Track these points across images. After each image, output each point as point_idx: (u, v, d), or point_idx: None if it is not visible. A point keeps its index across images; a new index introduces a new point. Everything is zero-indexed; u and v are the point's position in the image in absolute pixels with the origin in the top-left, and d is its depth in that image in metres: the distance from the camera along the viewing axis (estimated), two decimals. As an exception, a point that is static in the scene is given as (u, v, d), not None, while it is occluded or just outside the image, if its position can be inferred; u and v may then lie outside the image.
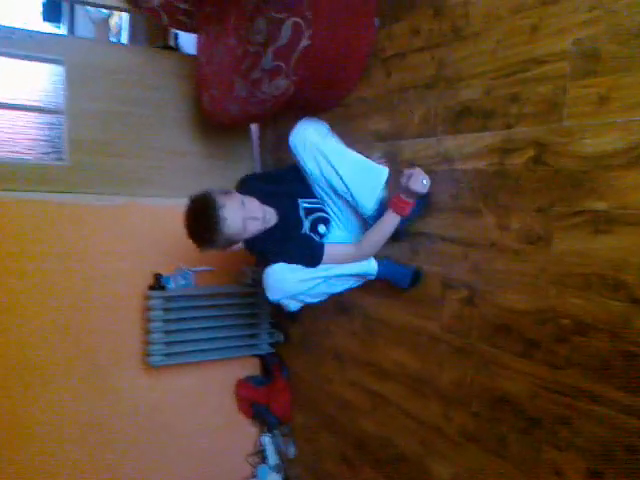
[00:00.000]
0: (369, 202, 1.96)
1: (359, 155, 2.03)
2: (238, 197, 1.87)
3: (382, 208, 1.98)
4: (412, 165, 1.99)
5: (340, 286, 2.17)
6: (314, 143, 2.00)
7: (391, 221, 1.93)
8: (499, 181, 1.70)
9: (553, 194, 1.54)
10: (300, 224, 2.11)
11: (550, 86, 1.54)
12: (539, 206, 1.58)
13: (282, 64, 2.15)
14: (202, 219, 1.81)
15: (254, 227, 1.91)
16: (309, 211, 2.14)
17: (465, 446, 1.87)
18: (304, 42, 2.09)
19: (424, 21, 2.01)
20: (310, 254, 2.00)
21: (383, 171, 1.96)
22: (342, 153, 2.02)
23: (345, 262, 2.06)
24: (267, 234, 2.00)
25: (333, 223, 2.19)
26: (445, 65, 1.90)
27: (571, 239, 1.50)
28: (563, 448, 1.52)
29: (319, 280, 2.03)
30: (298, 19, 2.06)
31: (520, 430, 1.66)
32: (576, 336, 1.48)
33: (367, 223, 2.11)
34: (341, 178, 1.96)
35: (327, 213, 2.18)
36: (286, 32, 2.09)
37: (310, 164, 2.01)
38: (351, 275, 2.15)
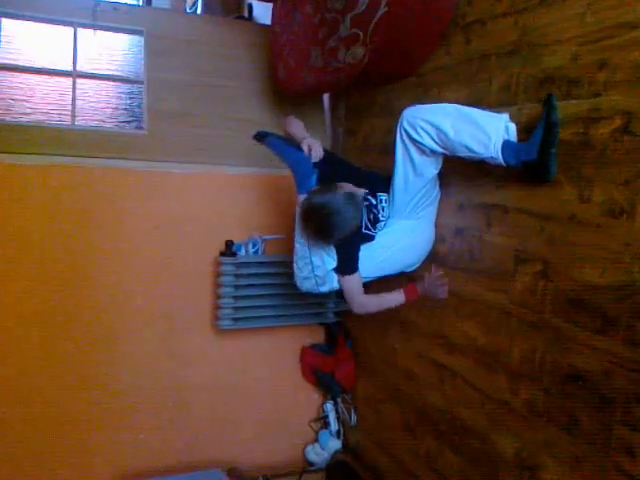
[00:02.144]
0: (490, 146, 1.84)
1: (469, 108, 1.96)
2: (344, 185, 2.07)
3: (513, 150, 1.81)
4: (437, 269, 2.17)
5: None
6: (416, 116, 1.98)
7: (397, 300, 2.21)
8: (583, 151, 1.64)
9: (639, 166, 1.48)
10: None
11: (644, 52, 1.47)
12: (625, 178, 1.52)
13: (359, 32, 2.14)
14: (340, 215, 1.97)
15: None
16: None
17: (533, 421, 1.85)
18: (382, 9, 2.07)
19: (508, -14, 1.95)
20: (346, 263, 2.20)
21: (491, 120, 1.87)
22: (447, 108, 1.97)
23: (346, 292, 2.25)
24: None
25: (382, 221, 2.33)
26: (529, 31, 1.84)
27: (658, 213, 1.44)
28: (637, 427, 1.48)
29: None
30: (377, -15, 2.04)
31: (592, 407, 1.62)
32: (658, 313, 1.44)
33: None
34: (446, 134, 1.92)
35: (381, 209, 2.30)
36: (364, -1, 2.08)
37: (425, 139, 1.98)
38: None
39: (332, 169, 2.21)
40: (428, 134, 1.95)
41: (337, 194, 1.97)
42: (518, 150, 1.79)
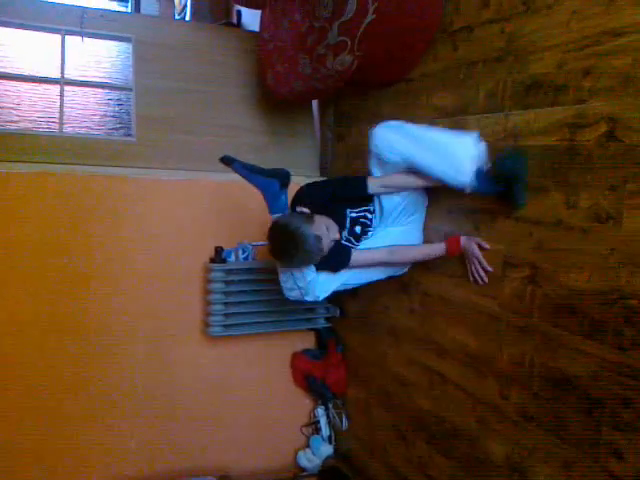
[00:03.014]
0: (460, 178, 1.92)
1: (441, 134, 2.02)
2: (323, 223, 2.03)
3: (484, 179, 1.90)
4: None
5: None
6: (385, 147, 2.05)
7: (437, 251, 2.14)
8: (569, 157, 1.66)
9: (625, 171, 1.50)
10: (341, 235, 2.24)
11: (627, 59, 1.49)
12: (610, 184, 1.54)
13: (347, 39, 2.15)
14: (299, 248, 1.95)
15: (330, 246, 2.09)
16: (353, 220, 2.30)
17: (522, 425, 1.86)
18: (369, 16, 2.08)
19: (494, -7, 1.97)
20: (337, 261, 2.17)
21: (467, 145, 1.93)
22: (420, 137, 2.01)
23: (374, 264, 2.23)
24: None
25: (370, 231, 2.34)
26: (515, 38, 1.86)
27: (643, 218, 1.45)
28: (624, 430, 1.50)
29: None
30: (364, -7, 2.05)
31: (580, 411, 1.63)
32: (644, 317, 1.45)
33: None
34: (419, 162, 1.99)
35: (370, 220, 2.33)
36: (351, 6, 2.09)
37: (392, 157, 2.05)
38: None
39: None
40: (398, 163, 2.04)
41: (306, 230, 1.95)
42: (492, 181, 1.87)
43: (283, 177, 2.20)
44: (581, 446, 1.63)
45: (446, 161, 1.91)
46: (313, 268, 2.19)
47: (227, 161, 2.19)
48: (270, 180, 2.13)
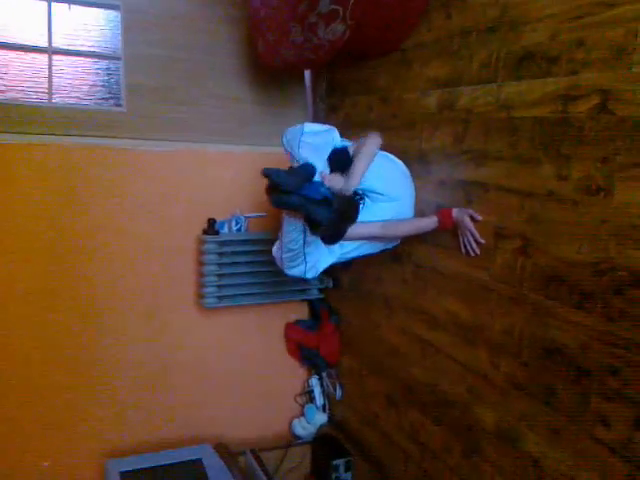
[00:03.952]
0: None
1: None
2: None
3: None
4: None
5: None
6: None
7: (429, 224, 2.13)
8: (561, 129, 1.65)
9: (617, 144, 1.50)
10: None
11: (620, 30, 1.48)
12: (602, 156, 1.54)
13: (339, 8, 2.11)
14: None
15: None
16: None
17: (512, 394, 1.90)
18: (362, -16, 2.05)
19: (488, -39, 1.93)
20: (332, 233, 2.11)
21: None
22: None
23: (366, 238, 2.25)
24: None
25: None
26: (510, 8, 1.84)
27: (634, 190, 1.46)
28: (611, 398, 1.53)
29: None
30: (357, -40, 2.01)
31: (569, 380, 1.66)
32: (633, 289, 1.47)
33: None
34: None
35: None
36: (344, -27, 2.05)
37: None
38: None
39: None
40: None
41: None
42: None
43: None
44: (569, 414, 1.67)
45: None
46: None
47: (282, 188, 2.10)
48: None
